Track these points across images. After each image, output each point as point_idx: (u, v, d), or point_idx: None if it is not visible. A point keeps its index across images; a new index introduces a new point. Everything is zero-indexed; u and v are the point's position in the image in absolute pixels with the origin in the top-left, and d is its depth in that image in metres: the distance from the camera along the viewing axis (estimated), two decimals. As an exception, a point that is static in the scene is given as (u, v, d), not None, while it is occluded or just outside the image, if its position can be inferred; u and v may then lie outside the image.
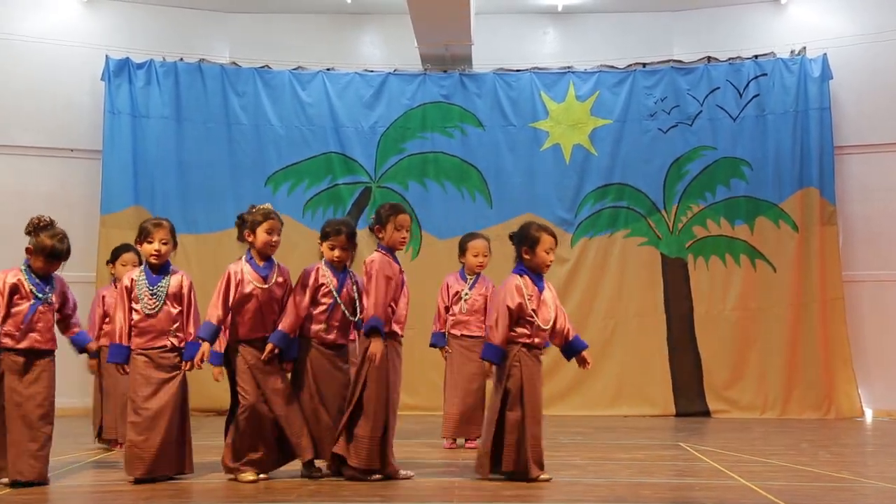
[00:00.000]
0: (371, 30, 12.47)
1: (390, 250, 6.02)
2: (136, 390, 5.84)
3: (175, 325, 5.97)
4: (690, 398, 11.34)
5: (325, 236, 6.16)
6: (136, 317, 5.93)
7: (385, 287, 5.86)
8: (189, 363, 5.93)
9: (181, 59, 11.73)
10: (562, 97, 11.92)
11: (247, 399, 5.85)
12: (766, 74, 11.60)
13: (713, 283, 11.52)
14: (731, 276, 11.52)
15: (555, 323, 5.96)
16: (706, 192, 11.66)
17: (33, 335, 5.80)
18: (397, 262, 6.03)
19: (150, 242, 6.00)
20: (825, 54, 11.40)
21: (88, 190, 11.41)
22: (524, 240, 5.97)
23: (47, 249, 5.83)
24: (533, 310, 5.86)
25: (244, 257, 6.10)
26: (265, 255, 6.08)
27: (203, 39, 12.10)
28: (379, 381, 5.81)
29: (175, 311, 5.98)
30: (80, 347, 6.18)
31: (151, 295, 5.94)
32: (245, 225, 6.10)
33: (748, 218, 11.54)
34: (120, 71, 11.49)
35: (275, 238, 6.07)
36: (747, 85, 11.64)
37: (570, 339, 6.01)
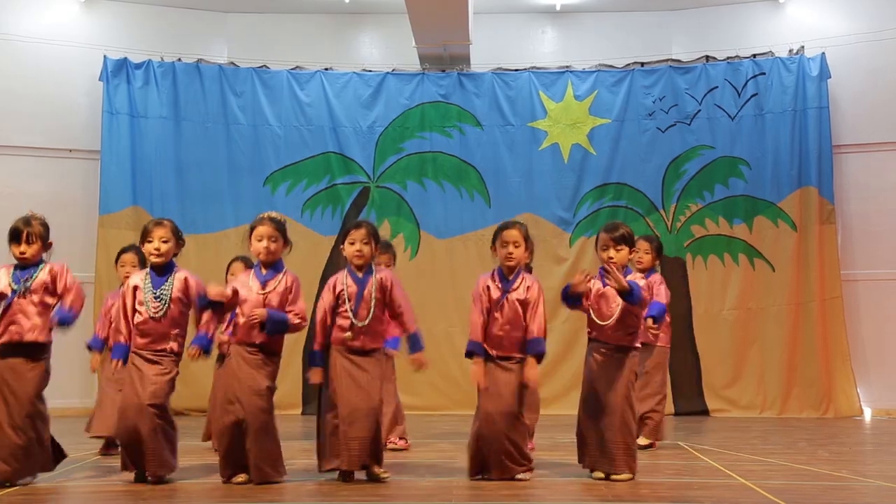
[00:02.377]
0: (369, 30, 12.47)
1: (499, 269, 5.96)
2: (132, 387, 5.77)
3: (176, 330, 5.82)
4: (689, 397, 11.34)
5: (344, 235, 5.99)
6: (139, 318, 5.80)
7: (475, 308, 5.88)
8: (196, 350, 5.75)
9: (179, 60, 11.73)
10: (560, 97, 11.91)
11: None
12: (764, 73, 11.61)
13: (712, 283, 11.52)
14: (729, 276, 11.53)
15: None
16: (704, 191, 11.67)
17: (13, 328, 5.70)
18: (502, 280, 5.90)
19: (150, 241, 5.85)
20: (823, 53, 11.41)
21: (87, 190, 11.41)
22: (595, 242, 6.10)
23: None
24: (590, 305, 5.88)
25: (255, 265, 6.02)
26: (265, 263, 5.91)
27: (201, 39, 12.10)
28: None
29: (179, 314, 5.83)
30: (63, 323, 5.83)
31: (155, 298, 5.78)
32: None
33: (747, 217, 11.55)
34: (118, 71, 11.49)
35: (263, 244, 5.87)
36: (746, 84, 11.64)
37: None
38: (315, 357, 5.90)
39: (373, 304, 5.84)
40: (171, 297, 5.81)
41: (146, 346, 5.78)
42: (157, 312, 5.78)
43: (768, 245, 11.47)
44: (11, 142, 11.26)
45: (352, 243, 5.91)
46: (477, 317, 5.86)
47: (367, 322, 5.79)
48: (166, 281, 5.85)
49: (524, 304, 5.85)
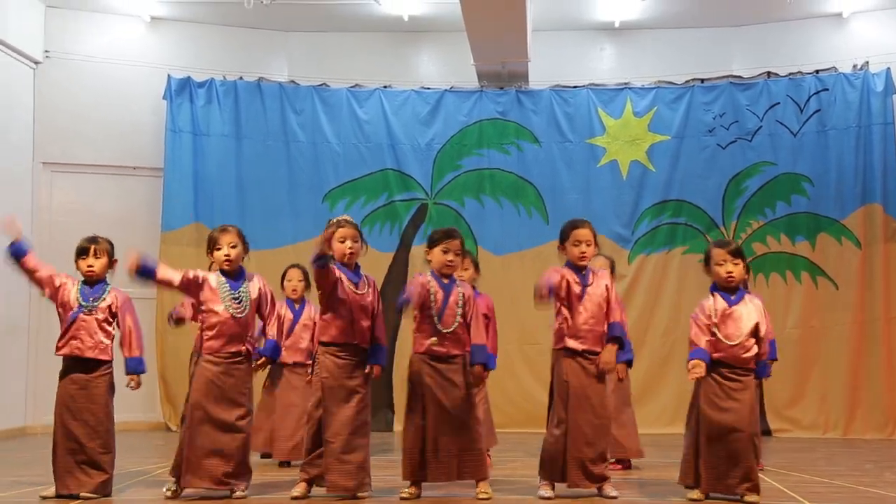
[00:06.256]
0: (428, 47, 12.53)
1: (570, 264, 6.08)
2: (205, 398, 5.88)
3: (250, 333, 5.99)
4: (750, 417, 11.17)
5: (434, 242, 6.08)
6: (214, 319, 5.90)
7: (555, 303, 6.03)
8: (264, 359, 6.07)
9: (241, 78, 11.90)
10: (619, 113, 11.86)
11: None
12: (827, 89, 11.44)
13: (774, 301, 11.30)
14: (791, 294, 11.35)
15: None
16: (766, 208, 11.52)
17: (74, 343, 5.92)
18: (579, 276, 6.04)
19: (219, 249, 5.99)
20: (888, 69, 11.21)
21: (150, 207, 11.59)
22: (704, 259, 6.01)
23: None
24: (716, 324, 5.80)
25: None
26: (349, 265, 5.98)
27: (262, 58, 12.27)
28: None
29: (255, 315, 6.04)
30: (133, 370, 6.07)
31: (234, 299, 5.92)
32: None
33: (809, 234, 11.38)
34: (181, 90, 11.68)
35: (347, 245, 5.93)
36: (808, 100, 11.48)
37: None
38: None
39: (459, 311, 5.95)
40: (250, 299, 5.98)
41: (222, 349, 5.88)
42: (238, 312, 5.91)
43: (831, 263, 11.29)
44: (78, 159, 11.49)
45: (445, 252, 6.03)
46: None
47: (452, 328, 5.92)
48: (242, 283, 6.00)
49: (604, 297, 6.03)
